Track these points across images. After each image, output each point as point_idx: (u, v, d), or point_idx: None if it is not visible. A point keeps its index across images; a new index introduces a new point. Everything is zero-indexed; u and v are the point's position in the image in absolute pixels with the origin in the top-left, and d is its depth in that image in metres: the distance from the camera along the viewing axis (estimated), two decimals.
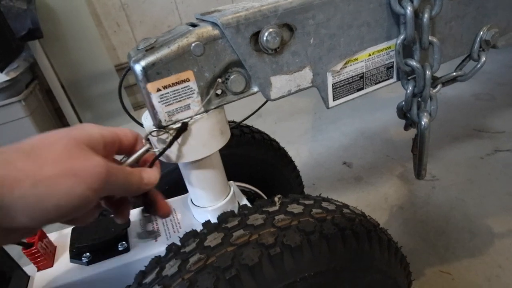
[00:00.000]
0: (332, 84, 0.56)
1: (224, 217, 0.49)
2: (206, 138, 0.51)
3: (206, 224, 0.49)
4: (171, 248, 0.48)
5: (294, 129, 1.86)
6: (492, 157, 1.38)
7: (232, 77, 0.49)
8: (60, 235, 0.61)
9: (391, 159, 1.48)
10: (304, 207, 0.50)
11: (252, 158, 0.83)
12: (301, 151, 1.66)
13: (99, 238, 0.56)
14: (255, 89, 0.52)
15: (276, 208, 0.50)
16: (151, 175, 0.42)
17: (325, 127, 1.82)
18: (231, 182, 0.75)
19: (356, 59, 0.56)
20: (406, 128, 0.74)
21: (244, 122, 0.84)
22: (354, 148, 1.60)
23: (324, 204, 0.53)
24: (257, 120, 2.01)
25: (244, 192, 0.84)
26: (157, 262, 0.47)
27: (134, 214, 0.65)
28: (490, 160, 1.36)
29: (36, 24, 1.84)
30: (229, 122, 0.85)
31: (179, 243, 0.48)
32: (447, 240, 1.06)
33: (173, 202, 0.68)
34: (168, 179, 0.76)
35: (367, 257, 0.50)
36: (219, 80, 0.48)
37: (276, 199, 0.52)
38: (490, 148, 1.42)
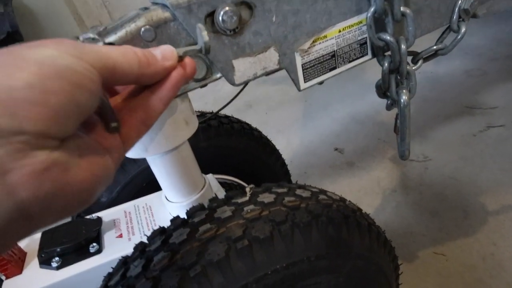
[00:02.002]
0: (302, 65, 0.53)
1: (192, 211, 0.47)
2: (169, 129, 0.48)
3: (174, 220, 0.47)
4: (137, 247, 0.46)
5: (285, 118, 1.83)
6: (485, 133, 1.35)
7: None
8: (31, 241, 0.59)
9: (383, 142, 1.45)
10: (276, 196, 0.48)
11: (233, 148, 0.81)
12: (292, 139, 1.63)
13: (68, 241, 0.54)
14: (218, 74, 0.49)
15: (246, 199, 0.47)
16: (167, 49, 0.33)
17: (315, 114, 1.79)
18: (210, 175, 0.72)
19: (326, 37, 0.53)
20: (388, 108, 0.71)
21: (223, 113, 0.81)
22: (345, 134, 1.58)
23: (298, 191, 0.50)
24: (247, 111, 1.98)
25: (227, 184, 0.82)
26: (124, 263, 0.45)
27: (108, 214, 0.63)
28: (483, 137, 1.33)
29: (15, 27, 1.81)
30: (207, 113, 0.83)
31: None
32: (440, 221, 1.04)
33: (149, 200, 0.66)
34: (146, 176, 0.73)
35: (345, 243, 0.48)
36: None
37: (247, 189, 0.50)
38: (483, 125, 1.39)
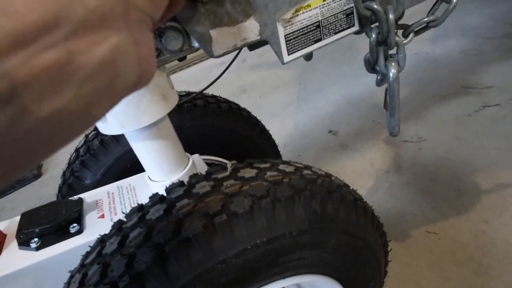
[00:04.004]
0: (285, 36, 0.51)
1: (170, 187, 0.46)
2: (145, 103, 0.46)
3: (152, 196, 0.45)
4: (115, 225, 0.44)
5: (279, 101, 1.81)
6: (480, 113, 1.33)
7: (166, 33, 0.44)
8: (11, 223, 0.58)
9: (377, 123, 1.44)
10: (258, 171, 0.46)
11: (220, 129, 0.79)
12: (286, 123, 1.61)
13: (48, 222, 0.53)
14: (195, 45, 0.46)
15: (227, 174, 0.46)
16: None
17: (310, 96, 1.77)
18: (196, 155, 0.71)
19: (309, 6, 0.51)
20: (378, 83, 0.69)
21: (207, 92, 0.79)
22: (339, 116, 1.56)
23: (282, 166, 0.49)
24: (241, 95, 1.96)
25: (215, 165, 0.80)
26: (101, 241, 0.44)
27: (90, 195, 0.62)
28: (478, 117, 1.32)
29: None
30: (192, 92, 0.81)
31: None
32: (433, 200, 1.04)
33: (133, 180, 0.65)
34: (130, 157, 0.72)
35: (329, 218, 0.46)
36: None
37: (229, 165, 0.48)
38: (478, 104, 1.37)
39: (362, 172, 1.22)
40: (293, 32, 0.51)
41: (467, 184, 1.06)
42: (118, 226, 0.43)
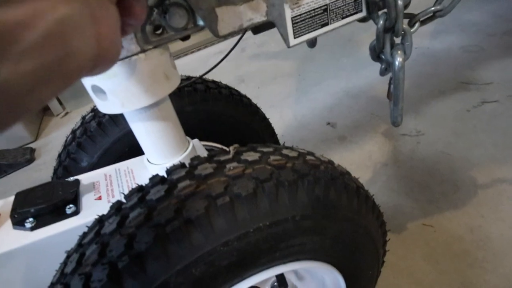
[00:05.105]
0: (292, 18, 0.50)
1: (171, 169, 0.44)
2: (147, 82, 0.45)
3: (152, 178, 0.44)
4: (114, 205, 0.43)
5: (277, 92, 1.80)
6: (479, 109, 1.33)
7: (171, 9, 0.42)
8: (5, 203, 0.56)
9: (375, 116, 1.43)
10: (261, 155, 0.45)
11: (220, 114, 0.78)
12: (284, 114, 1.60)
13: (43, 202, 0.51)
14: (200, 24, 0.45)
15: (229, 156, 0.45)
16: None
17: (309, 88, 1.76)
18: (195, 140, 0.70)
19: None
20: (382, 73, 0.68)
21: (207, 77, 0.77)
22: (338, 108, 1.55)
23: (285, 151, 0.48)
24: (239, 85, 1.94)
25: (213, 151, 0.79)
26: (99, 221, 0.43)
27: (88, 177, 0.60)
28: (477, 112, 1.32)
29: None
30: (193, 77, 0.79)
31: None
32: (430, 194, 1.04)
33: (131, 163, 0.63)
34: (128, 140, 0.70)
35: (332, 205, 0.46)
36: (155, 11, 0.41)
37: (231, 148, 0.47)
38: (477, 100, 1.37)
39: (360, 164, 1.22)
40: (300, 15, 0.50)
41: (464, 178, 1.06)
42: (117, 206, 0.42)
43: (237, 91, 0.83)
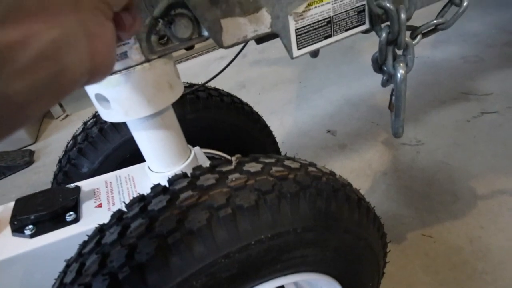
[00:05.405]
0: (295, 30, 0.50)
1: (173, 179, 0.44)
2: (151, 92, 0.45)
3: (154, 187, 0.44)
4: (115, 214, 0.43)
5: (278, 99, 1.80)
6: (478, 119, 1.34)
7: (176, 20, 0.43)
8: (5, 209, 0.56)
9: (376, 125, 1.43)
10: (264, 166, 0.45)
11: (221, 122, 0.78)
12: (285, 121, 1.60)
13: (43, 209, 0.51)
14: (205, 34, 0.45)
15: (232, 167, 0.45)
16: None
17: (310, 95, 1.76)
18: (197, 148, 0.70)
19: (322, 0, 0.50)
20: (383, 84, 0.68)
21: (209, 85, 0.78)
22: (339, 116, 1.55)
23: (287, 162, 0.48)
24: (240, 91, 1.94)
25: (215, 159, 0.79)
26: (100, 230, 0.43)
27: (88, 183, 0.60)
28: (477, 123, 1.32)
29: None
30: (195, 84, 0.80)
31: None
32: (430, 204, 1.04)
33: (132, 170, 0.63)
34: (129, 147, 0.70)
35: (333, 217, 0.46)
36: (160, 22, 0.42)
37: (233, 158, 0.47)
38: (477, 111, 1.38)
39: (360, 172, 1.22)
40: (304, 27, 0.51)
41: (463, 189, 1.06)
42: (118, 216, 0.42)
43: (238, 98, 0.83)
